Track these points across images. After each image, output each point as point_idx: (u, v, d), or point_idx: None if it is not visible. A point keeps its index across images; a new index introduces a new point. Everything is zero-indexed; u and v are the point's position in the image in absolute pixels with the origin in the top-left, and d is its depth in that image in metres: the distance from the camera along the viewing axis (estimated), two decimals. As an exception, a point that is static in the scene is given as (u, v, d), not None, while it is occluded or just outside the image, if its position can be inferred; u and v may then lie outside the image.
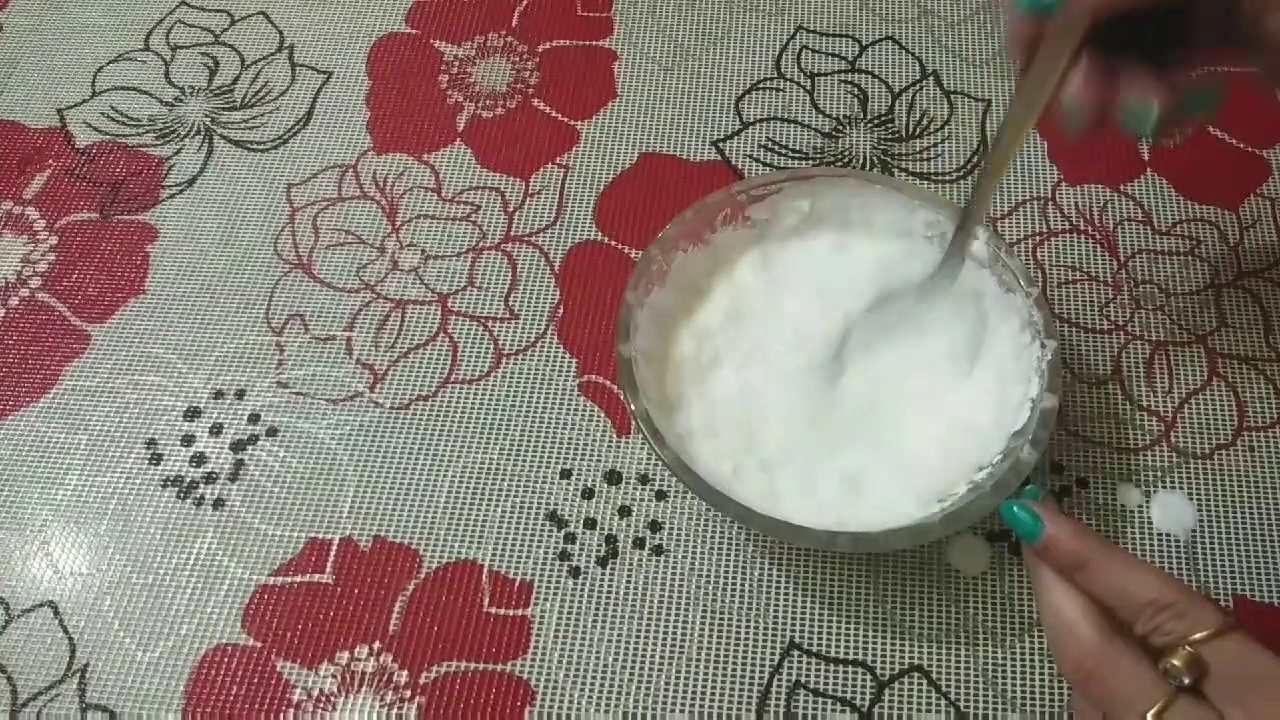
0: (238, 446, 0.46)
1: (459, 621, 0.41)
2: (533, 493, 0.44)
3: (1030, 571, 0.35)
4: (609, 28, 0.58)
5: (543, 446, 0.45)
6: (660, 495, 0.44)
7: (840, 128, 0.53)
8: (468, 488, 0.44)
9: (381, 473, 0.45)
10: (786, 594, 0.41)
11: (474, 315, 0.49)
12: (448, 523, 0.43)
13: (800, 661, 0.40)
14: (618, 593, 0.42)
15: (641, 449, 0.45)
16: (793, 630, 0.41)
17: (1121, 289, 0.48)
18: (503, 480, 0.44)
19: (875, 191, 0.44)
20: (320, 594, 0.42)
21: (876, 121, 0.53)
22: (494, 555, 0.43)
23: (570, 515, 0.43)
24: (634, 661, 0.40)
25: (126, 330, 0.49)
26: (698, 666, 0.40)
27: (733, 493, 0.37)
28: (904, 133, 0.53)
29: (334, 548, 0.43)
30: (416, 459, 0.45)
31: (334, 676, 0.40)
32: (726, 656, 0.40)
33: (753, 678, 0.40)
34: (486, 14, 0.59)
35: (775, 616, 0.41)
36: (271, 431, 0.46)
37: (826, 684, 0.39)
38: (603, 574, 0.42)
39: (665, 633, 0.41)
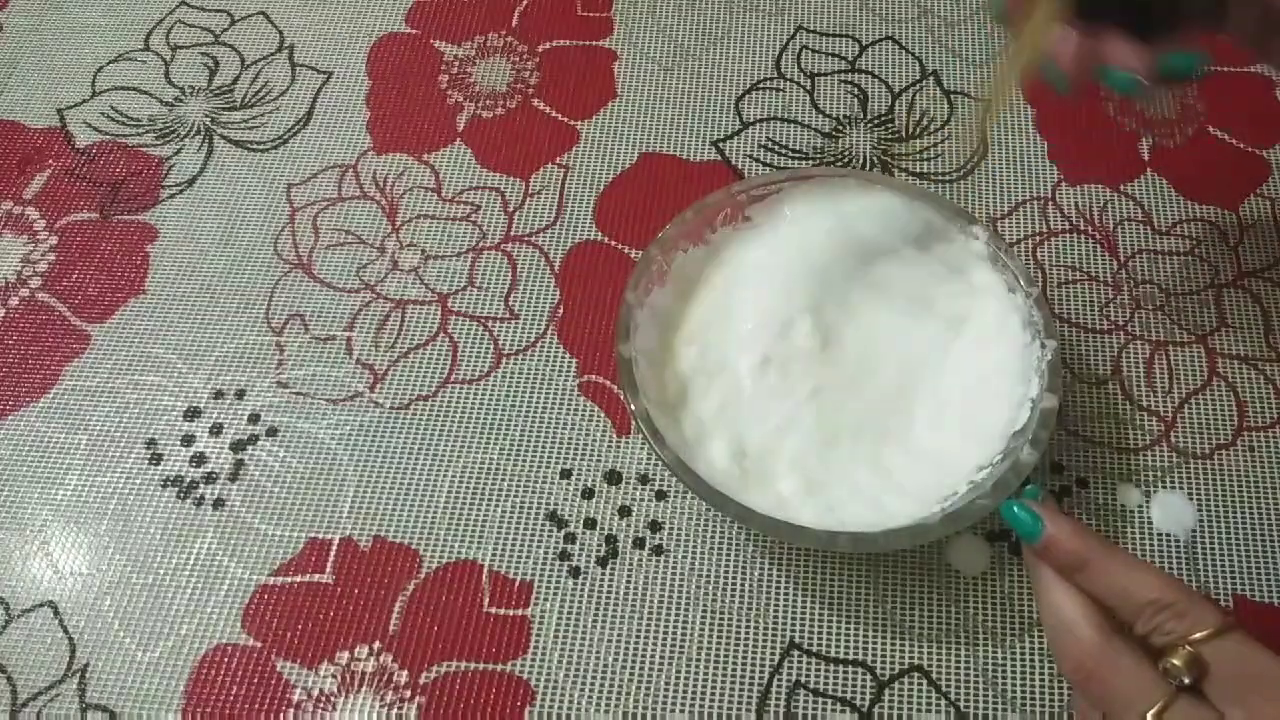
0: (238, 446, 0.46)
1: (459, 621, 0.41)
2: (533, 493, 0.44)
3: (1030, 571, 0.35)
4: (609, 28, 0.58)
5: (543, 446, 0.45)
6: (660, 495, 0.44)
7: (840, 128, 0.53)
8: (468, 488, 0.44)
9: (381, 473, 0.45)
10: (786, 594, 0.41)
11: (474, 315, 0.49)
12: (448, 523, 0.43)
13: (800, 661, 0.40)
14: (618, 593, 0.42)
15: (641, 449, 0.45)
16: (793, 630, 0.41)
17: (1121, 289, 0.48)
18: (503, 480, 0.44)
19: (875, 191, 0.44)
20: (320, 594, 0.42)
21: (876, 121, 0.54)
22: (494, 555, 0.43)
23: (570, 515, 0.43)
24: (634, 661, 0.40)
25: (126, 330, 0.49)
26: (698, 666, 0.40)
27: (734, 493, 0.37)
28: (904, 133, 0.53)
29: (334, 548, 0.43)
30: (416, 459, 0.45)
31: (334, 676, 0.40)
32: (726, 656, 0.40)
33: (753, 678, 0.40)
34: (486, 14, 0.59)
35: (775, 616, 0.41)
36: (271, 431, 0.46)
37: (826, 684, 0.39)
38: (603, 574, 0.42)
39: (665, 633, 0.41)
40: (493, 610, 0.41)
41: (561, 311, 0.48)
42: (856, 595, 0.41)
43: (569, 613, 0.41)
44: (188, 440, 0.46)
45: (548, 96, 0.56)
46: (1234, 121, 0.53)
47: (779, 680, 0.40)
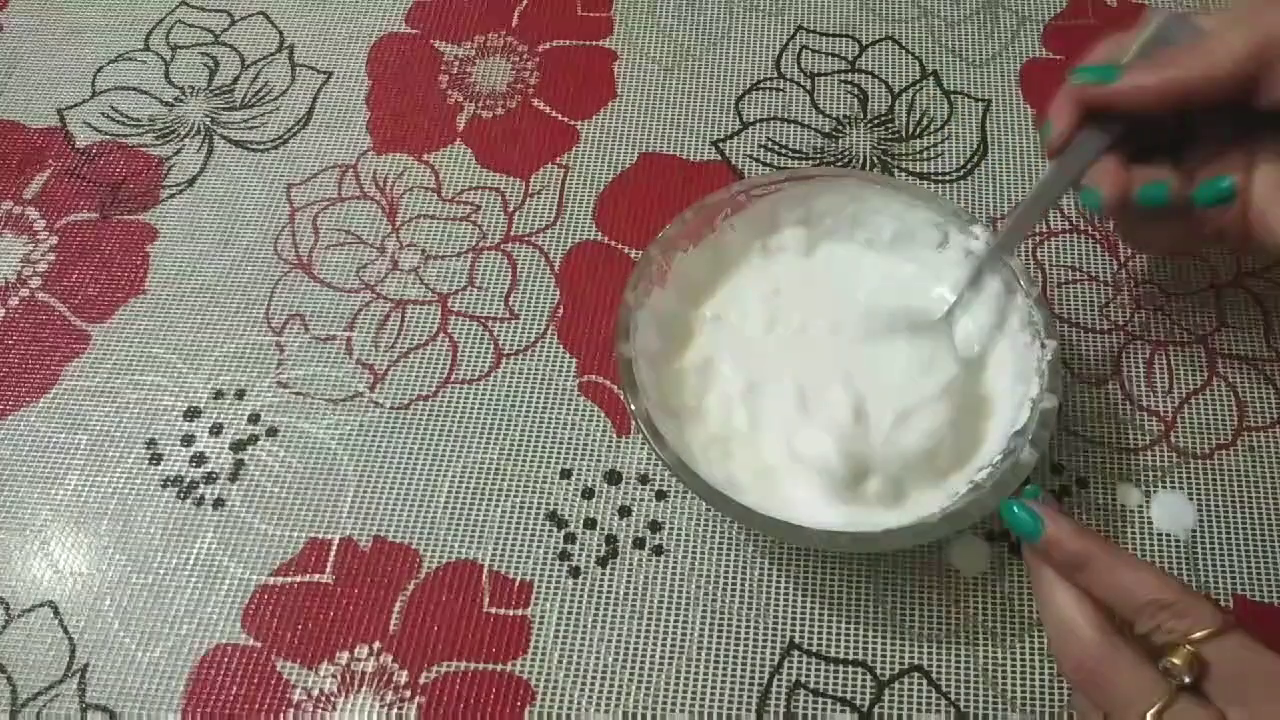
0: (238, 446, 0.46)
1: (459, 621, 0.41)
2: (533, 493, 0.44)
3: (1030, 571, 0.35)
4: (609, 28, 0.58)
5: (543, 446, 0.45)
6: (660, 495, 0.44)
7: (840, 128, 0.53)
8: (468, 488, 0.44)
9: (381, 473, 0.45)
10: (786, 594, 0.41)
11: (474, 315, 0.49)
12: (448, 523, 0.43)
13: (800, 661, 0.40)
14: (618, 593, 0.42)
15: (641, 449, 0.45)
16: (793, 630, 0.41)
17: (1121, 289, 0.48)
18: (503, 480, 0.44)
19: (875, 191, 0.44)
20: (320, 594, 0.42)
21: (876, 121, 0.54)
22: (494, 555, 0.43)
23: (570, 515, 0.43)
24: (634, 661, 0.40)
25: (126, 330, 0.49)
26: (698, 666, 0.40)
27: (734, 493, 0.37)
28: (904, 133, 0.53)
29: (334, 548, 0.43)
30: (416, 459, 0.45)
31: (334, 676, 0.40)
32: (726, 656, 0.40)
33: (753, 678, 0.40)
34: (486, 14, 0.59)
35: (775, 616, 0.41)
36: (271, 431, 0.46)
37: (826, 684, 0.39)
38: (603, 574, 0.42)
39: (665, 633, 0.41)
40: (493, 610, 0.41)
41: (561, 311, 0.48)
42: (856, 595, 0.41)
43: (569, 613, 0.41)
44: (188, 440, 0.46)
45: (548, 96, 0.56)
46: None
47: (779, 680, 0.40)
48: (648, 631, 0.41)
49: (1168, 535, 0.42)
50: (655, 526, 0.43)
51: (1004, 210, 0.50)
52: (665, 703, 0.39)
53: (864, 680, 0.40)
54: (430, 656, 0.40)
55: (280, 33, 0.59)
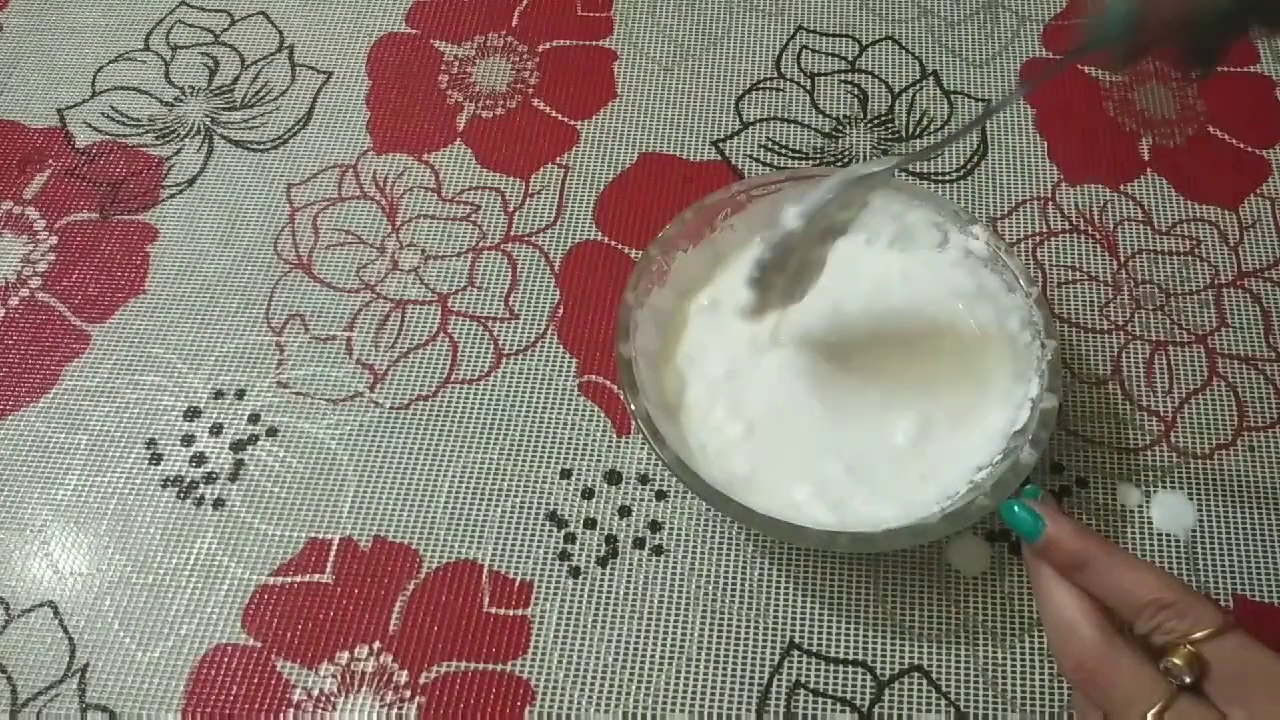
0: (238, 446, 0.46)
1: (459, 621, 0.41)
2: (533, 493, 0.44)
3: (1030, 571, 0.35)
4: (609, 28, 0.58)
5: (543, 446, 0.45)
6: (660, 495, 0.44)
7: (840, 128, 0.53)
8: (468, 488, 0.44)
9: (381, 473, 0.45)
10: (786, 594, 0.41)
11: (474, 315, 0.49)
12: (448, 523, 0.43)
13: (800, 661, 0.40)
14: (618, 593, 0.42)
15: (641, 449, 0.45)
16: (793, 630, 0.41)
17: (1121, 289, 0.48)
18: (503, 480, 0.44)
19: (875, 192, 0.44)
20: (320, 594, 0.42)
21: (876, 121, 0.53)
22: (494, 555, 0.43)
23: (570, 515, 0.43)
24: (634, 661, 0.40)
25: (126, 330, 0.49)
26: (698, 666, 0.40)
27: (733, 493, 0.37)
28: (904, 133, 0.53)
29: (334, 548, 0.43)
30: (416, 459, 0.45)
31: (334, 676, 0.40)
32: (726, 656, 0.40)
33: (753, 678, 0.40)
34: (486, 14, 0.59)
35: (775, 616, 0.41)
36: (271, 431, 0.46)
37: (826, 684, 0.39)
38: (603, 574, 0.42)
39: (665, 633, 0.41)
40: (493, 610, 0.41)
41: (561, 311, 0.48)
42: (856, 595, 0.41)
43: (569, 613, 0.41)
44: (188, 440, 0.46)
45: (548, 96, 0.56)
46: (1234, 121, 0.53)
47: (779, 680, 0.40)
48: (648, 631, 0.41)
49: (1168, 535, 0.42)
50: (655, 526, 0.43)
51: (1004, 210, 0.50)
52: (665, 703, 0.39)
53: (864, 680, 0.40)
54: (430, 656, 0.40)
55: (280, 33, 0.59)
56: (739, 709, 0.39)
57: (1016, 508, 0.34)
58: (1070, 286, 0.48)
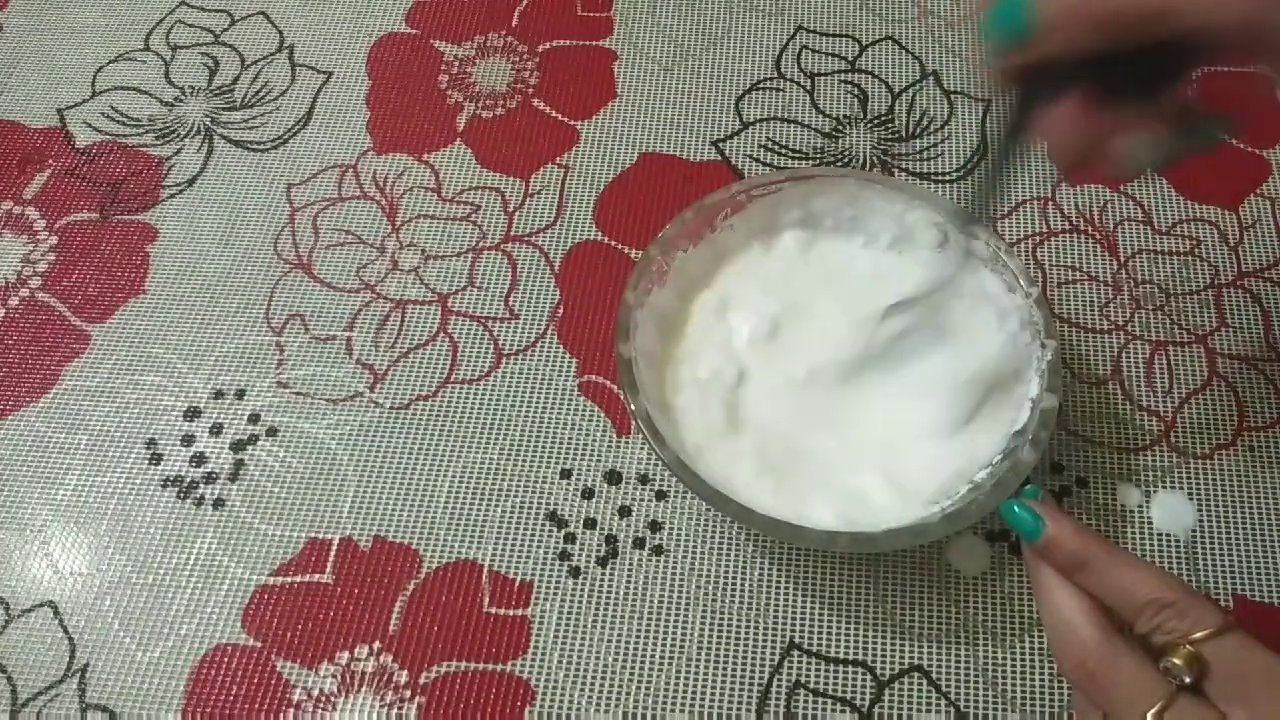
0: (238, 446, 0.46)
1: (459, 621, 0.41)
2: (533, 493, 0.44)
3: (1030, 571, 0.35)
4: (609, 28, 0.58)
5: (543, 446, 0.45)
6: (660, 495, 0.44)
7: (840, 128, 0.53)
8: (468, 488, 0.44)
9: (381, 473, 0.45)
10: (786, 594, 0.41)
11: (474, 315, 0.49)
12: (448, 523, 0.43)
13: (800, 661, 0.40)
14: (618, 593, 0.42)
15: (641, 449, 0.45)
16: (793, 630, 0.41)
17: (1121, 289, 0.48)
18: (503, 480, 0.44)
19: (875, 192, 0.44)
20: (320, 594, 0.42)
21: (876, 121, 0.54)
22: (494, 555, 0.43)
23: (570, 515, 0.43)
24: (634, 661, 0.40)
25: (126, 330, 0.49)
26: (698, 666, 0.40)
27: (734, 492, 0.37)
28: (904, 133, 0.53)
29: (334, 548, 0.43)
30: (416, 459, 0.45)
31: (334, 676, 0.40)
32: (726, 656, 0.40)
33: (753, 678, 0.40)
34: (486, 14, 0.59)
35: (775, 616, 0.41)
36: (271, 431, 0.46)
37: (826, 684, 0.39)
38: (603, 574, 0.42)
39: (665, 633, 0.41)
40: (493, 610, 0.41)
41: (561, 311, 0.48)
42: (856, 595, 0.41)
43: (569, 613, 0.41)
44: (188, 440, 0.46)
45: (548, 96, 0.56)
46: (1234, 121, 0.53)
47: (779, 680, 0.40)
48: (648, 631, 0.41)
49: (1168, 535, 0.42)
50: (655, 526, 0.43)
51: (1004, 210, 0.50)
52: (665, 703, 0.39)
53: (864, 680, 0.40)
54: (430, 656, 0.40)
55: (280, 33, 0.59)
56: (739, 709, 0.39)
57: (1017, 507, 0.34)
58: (1070, 286, 0.48)
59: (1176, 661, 0.30)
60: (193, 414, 0.47)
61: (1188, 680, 0.30)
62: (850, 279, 0.45)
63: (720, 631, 0.41)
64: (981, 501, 0.36)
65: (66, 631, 0.42)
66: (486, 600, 0.42)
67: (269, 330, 0.49)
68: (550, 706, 0.39)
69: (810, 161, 0.52)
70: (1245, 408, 0.45)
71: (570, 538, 0.43)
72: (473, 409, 0.46)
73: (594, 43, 0.58)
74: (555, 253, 0.50)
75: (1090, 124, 0.30)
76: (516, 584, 0.42)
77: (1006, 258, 0.41)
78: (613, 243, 0.50)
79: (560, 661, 0.40)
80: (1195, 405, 0.45)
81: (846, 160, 0.52)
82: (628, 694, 0.40)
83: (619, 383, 0.42)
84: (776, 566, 0.42)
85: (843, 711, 0.39)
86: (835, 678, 0.40)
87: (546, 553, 0.43)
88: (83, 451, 0.46)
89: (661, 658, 0.40)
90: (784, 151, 0.53)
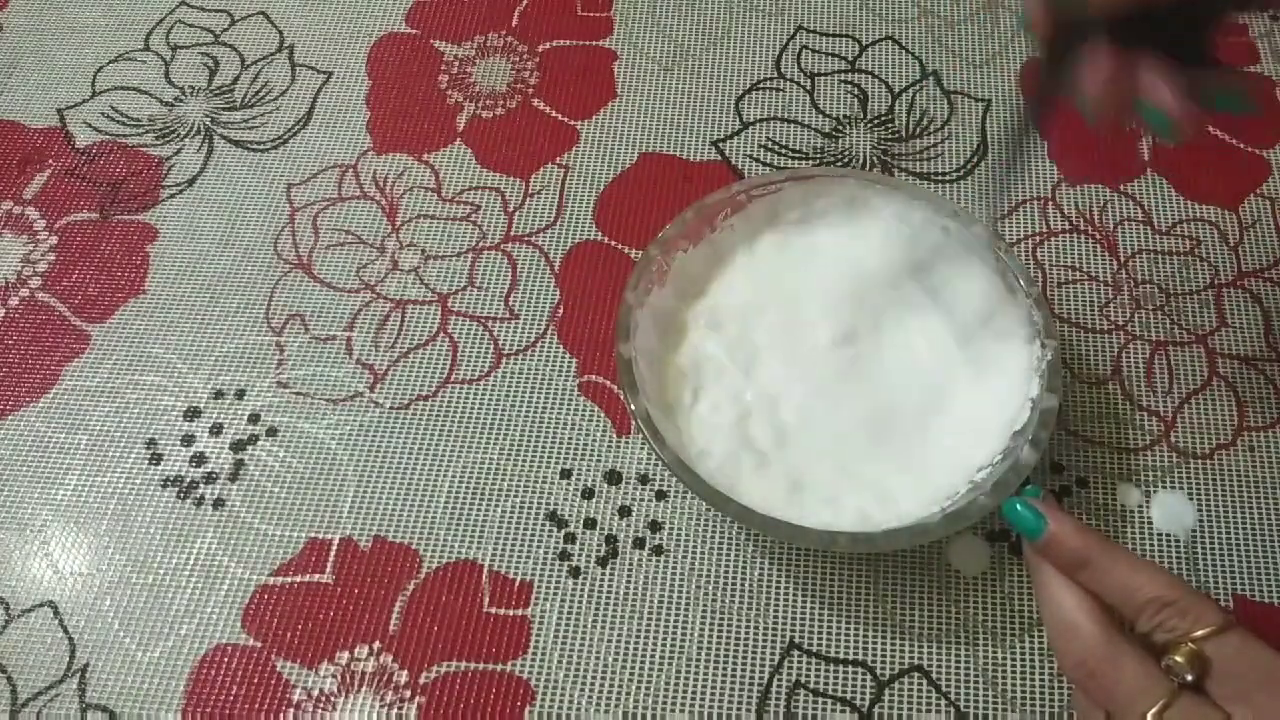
0: (238, 446, 0.46)
1: (459, 621, 0.41)
2: (533, 493, 0.44)
3: (1031, 570, 0.35)
4: (609, 28, 0.58)
5: (543, 446, 0.45)
6: (660, 495, 0.44)
7: (840, 128, 0.53)
8: (468, 488, 0.44)
9: (381, 473, 0.45)
10: (786, 594, 0.41)
11: (474, 315, 0.49)
12: (448, 523, 0.43)
13: (800, 661, 0.40)
14: (618, 593, 0.42)
15: (641, 449, 0.45)
16: (793, 630, 0.41)
17: (1121, 289, 0.48)
18: (503, 480, 0.44)
19: (875, 192, 0.44)
20: (320, 594, 0.42)
21: (876, 121, 0.54)
22: (494, 555, 0.43)
23: (570, 515, 0.43)
24: (634, 661, 0.40)
25: (126, 330, 0.49)
26: (698, 666, 0.40)
27: (735, 493, 0.37)
28: (904, 133, 0.53)
29: (334, 548, 0.43)
30: (416, 459, 0.45)
31: (334, 676, 0.40)
32: (726, 656, 0.40)
33: (753, 678, 0.40)
34: (486, 14, 0.59)
35: (775, 616, 0.41)
36: (271, 431, 0.46)
37: (826, 684, 0.39)
38: (603, 574, 0.42)
39: (665, 633, 0.41)
40: (493, 610, 0.41)
41: (561, 311, 0.48)
42: (856, 595, 0.41)
43: (569, 613, 0.41)
44: (188, 440, 0.46)
45: (548, 96, 0.56)
46: (1234, 121, 0.53)
47: (779, 680, 0.40)
48: (648, 631, 0.41)
49: (1168, 535, 0.42)
50: (655, 526, 0.43)
51: (1004, 210, 0.50)
52: (665, 703, 0.39)
53: (864, 680, 0.39)
54: (430, 656, 0.40)
55: (280, 33, 0.59)
56: (739, 709, 0.39)
57: (1019, 506, 0.34)
58: (1070, 286, 0.48)
59: (1178, 660, 0.30)
60: (193, 414, 0.47)
61: (1189, 678, 0.30)
62: (850, 279, 0.44)
63: (720, 631, 0.41)
64: (981, 501, 0.36)
65: (66, 631, 0.42)
66: (486, 600, 0.42)
67: (269, 330, 0.49)
68: (550, 706, 0.39)
69: (810, 161, 0.52)
70: (1245, 408, 0.45)
71: (570, 538, 0.43)
72: (473, 409, 0.46)
73: (594, 43, 0.58)
74: (555, 253, 0.50)
75: (1125, 74, 0.31)
76: (516, 584, 0.42)
77: (1006, 258, 0.41)
78: (613, 243, 0.50)
79: (560, 661, 0.40)
80: (1195, 405, 0.45)
81: (846, 160, 0.52)
82: (628, 694, 0.40)
83: (619, 383, 0.42)
84: (776, 566, 0.42)
85: (843, 711, 0.39)
86: (835, 678, 0.40)
87: (546, 553, 0.42)
88: (83, 451, 0.46)
89: (661, 658, 0.40)
90: (784, 151, 0.53)
